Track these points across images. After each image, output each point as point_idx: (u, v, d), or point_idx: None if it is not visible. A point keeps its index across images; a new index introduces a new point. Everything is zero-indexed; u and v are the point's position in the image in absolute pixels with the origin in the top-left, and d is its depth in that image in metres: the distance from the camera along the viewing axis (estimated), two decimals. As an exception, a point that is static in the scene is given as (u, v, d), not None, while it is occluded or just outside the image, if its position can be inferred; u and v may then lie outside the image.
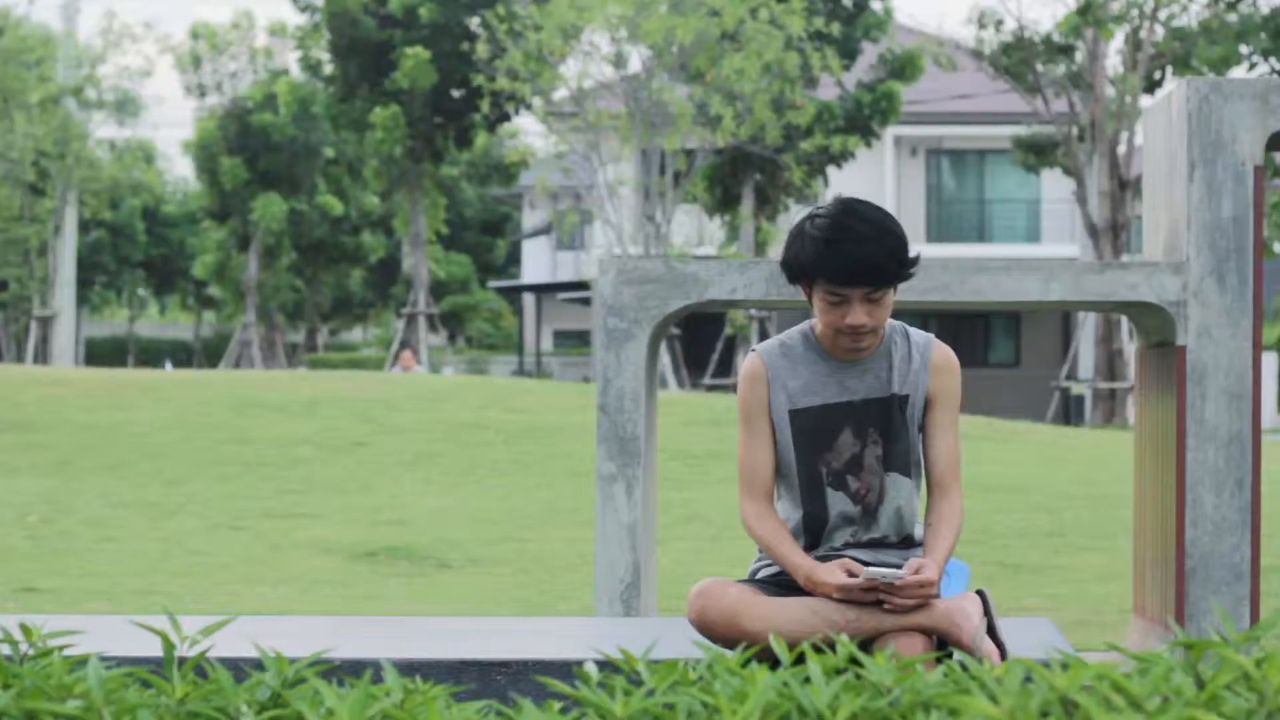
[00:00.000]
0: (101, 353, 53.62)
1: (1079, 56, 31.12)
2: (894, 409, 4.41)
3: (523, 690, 4.17)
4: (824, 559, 4.38)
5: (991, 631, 4.28)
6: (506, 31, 29.57)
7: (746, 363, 4.48)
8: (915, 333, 4.49)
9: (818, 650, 3.35)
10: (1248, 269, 6.13)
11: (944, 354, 4.48)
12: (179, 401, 19.63)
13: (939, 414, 4.45)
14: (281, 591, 9.95)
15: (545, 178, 31.42)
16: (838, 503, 4.42)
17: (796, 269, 4.36)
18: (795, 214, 37.66)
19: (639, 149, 29.10)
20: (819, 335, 4.44)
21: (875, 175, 39.75)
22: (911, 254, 4.35)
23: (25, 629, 3.26)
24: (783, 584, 4.44)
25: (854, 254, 4.26)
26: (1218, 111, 6.14)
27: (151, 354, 54.50)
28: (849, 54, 32.14)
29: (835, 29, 30.06)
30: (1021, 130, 35.28)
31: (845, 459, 4.42)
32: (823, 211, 4.34)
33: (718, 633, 4.29)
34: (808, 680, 2.84)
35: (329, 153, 44.64)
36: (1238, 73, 21.46)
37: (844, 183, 35.24)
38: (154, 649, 4.18)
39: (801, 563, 4.33)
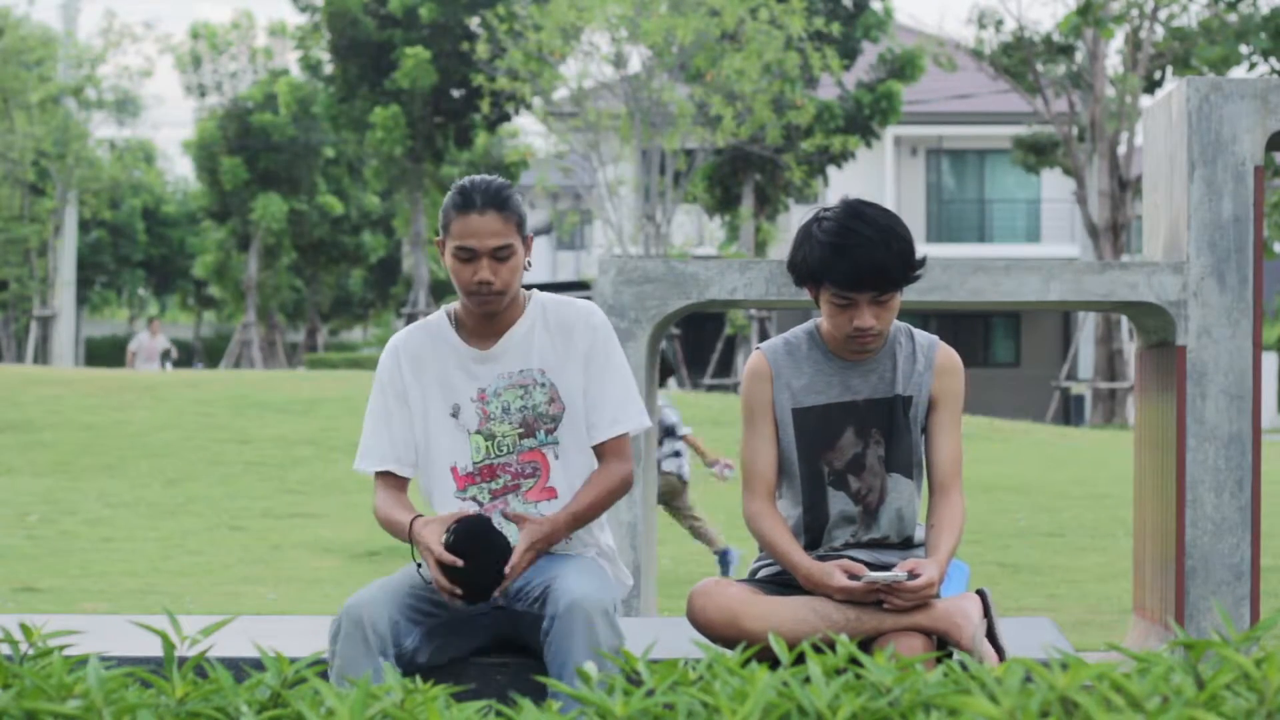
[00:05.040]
0: (101, 353, 53.60)
1: (1079, 56, 31.11)
2: (897, 410, 4.41)
3: (523, 690, 4.16)
4: (824, 559, 4.38)
5: (991, 634, 4.28)
6: (506, 31, 29.56)
7: (751, 361, 4.48)
8: (920, 334, 4.49)
9: (818, 650, 3.35)
10: (1248, 269, 6.13)
11: (948, 356, 4.47)
12: (179, 401, 19.63)
13: (942, 416, 4.45)
14: (281, 591, 9.95)
15: (545, 178, 31.41)
16: (838, 502, 4.42)
17: (804, 272, 4.35)
18: (795, 214, 37.66)
19: (639, 149, 29.09)
20: (824, 335, 4.44)
21: (875, 175, 39.75)
22: (918, 256, 4.34)
23: (25, 629, 3.26)
24: (783, 584, 4.44)
25: (861, 259, 4.25)
26: (1218, 111, 6.14)
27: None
28: (849, 54, 32.12)
29: (835, 29, 30.05)
30: (1021, 130, 35.28)
31: (847, 458, 4.42)
32: (830, 214, 4.33)
33: (718, 632, 4.29)
34: (808, 680, 2.84)
35: (329, 153, 44.62)
36: (1238, 73, 21.45)
37: (844, 183, 35.23)
38: (154, 649, 4.18)
39: (801, 562, 4.33)
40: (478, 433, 4.41)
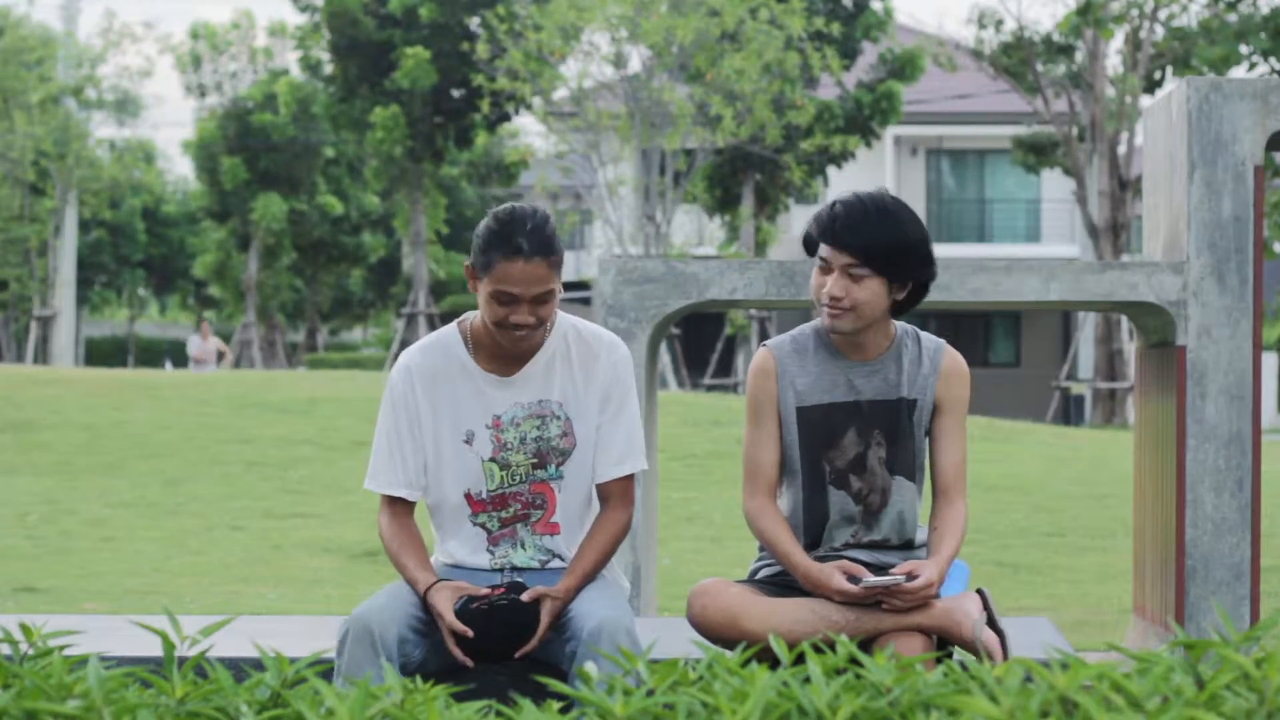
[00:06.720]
0: (101, 353, 53.60)
1: (1079, 56, 31.11)
2: (901, 413, 4.39)
3: (523, 690, 4.16)
4: (824, 559, 4.37)
5: (992, 623, 4.28)
6: (506, 31, 29.56)
7: (757, 357, 4.47)
8: (926, 337, 4.47)
9: (818, 650, 3.35)
10: (1248, 269, 6.13)
11: (954, 360, 4.46)
12: (179, 401, 19.63)
13: (947, 420, 4.44)
14: (281, 591, 9.95)
15: (545, 178, 31.39)
16: (839, 501, 4.42)
17: (809, 233, 4.38)
18: (795, 214, 37.65)
19: (639, 149, 29.08)
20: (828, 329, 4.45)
21: (875, 175, 39.74)
22: (918, 264, 4.32)
23: (25, 629, 3.26)
24: (783, 584, 4.44)
25: (845, 217, 4.28)
26: (1218, 111, 6.14)
27: (151, 354, 54.47)
28: (849, 54, 32.12)
29: (835, 29, 30.04)
30: (1021, 130, 35.28)
31: (849, 458, 4.41)
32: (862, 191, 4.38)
33: (718, 633, 4.29)
34: (808, 680, 2.84)
35: (329, 153, 44.62)
36: (1238, 73, 21.42)
37: (844, 182, 35.19)
38: (154, 649, 4.18)
39: (801, 561, 4.33)
40: (492, 460, 4.39)
